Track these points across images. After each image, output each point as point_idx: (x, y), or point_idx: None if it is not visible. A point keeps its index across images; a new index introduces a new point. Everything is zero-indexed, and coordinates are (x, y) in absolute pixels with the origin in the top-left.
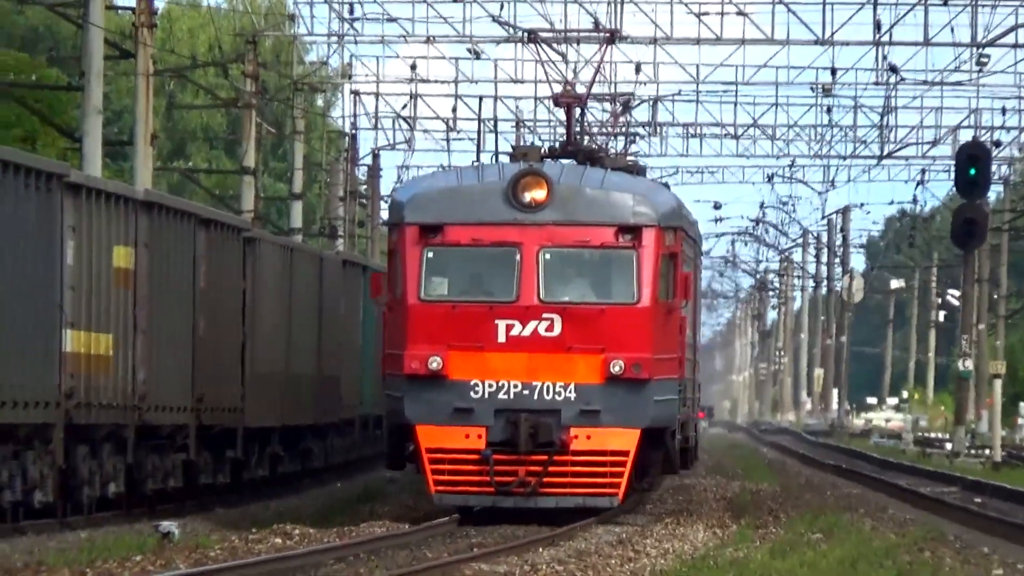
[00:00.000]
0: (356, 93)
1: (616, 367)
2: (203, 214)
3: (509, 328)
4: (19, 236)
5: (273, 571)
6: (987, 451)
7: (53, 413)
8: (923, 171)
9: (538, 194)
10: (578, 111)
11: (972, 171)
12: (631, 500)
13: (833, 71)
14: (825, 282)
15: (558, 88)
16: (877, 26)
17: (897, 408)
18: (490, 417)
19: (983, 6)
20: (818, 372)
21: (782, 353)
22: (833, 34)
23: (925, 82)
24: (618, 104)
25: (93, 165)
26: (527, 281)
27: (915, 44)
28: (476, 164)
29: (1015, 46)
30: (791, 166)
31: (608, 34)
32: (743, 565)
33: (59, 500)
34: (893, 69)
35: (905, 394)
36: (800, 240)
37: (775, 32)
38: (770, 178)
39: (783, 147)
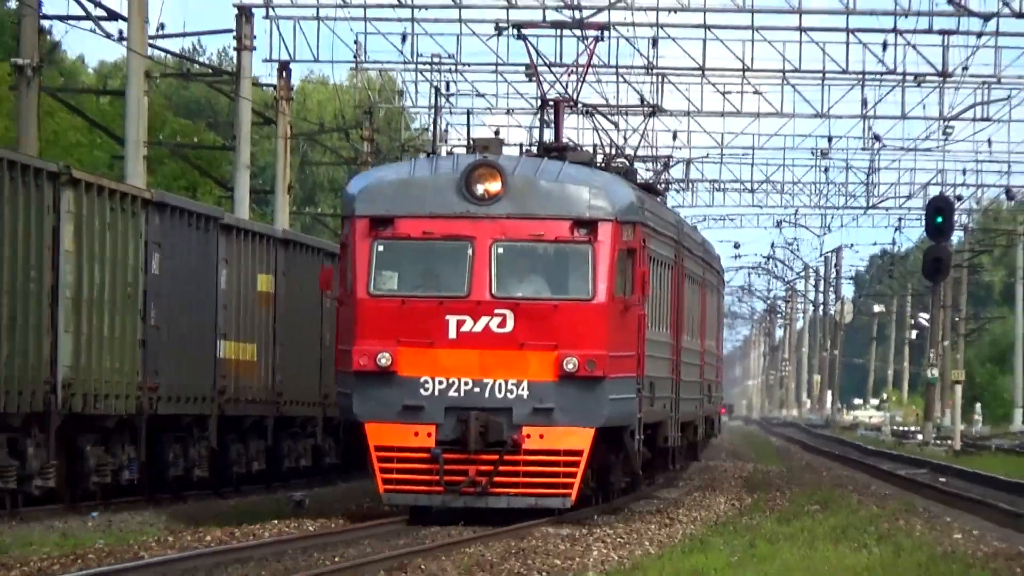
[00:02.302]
0: (451, 154)
1: (570, 364)
2: (328, 249)
3: (460, 324)
4: (185, 266)
5: (385, 532)
6: (950, 441)
7: (209, 406)
8: (900, 219)
9: (492, 186)
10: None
11: (939, 219)
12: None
13: (829, 139)
14: (822, 307)
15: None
16: (864, 103)
17: (878, 407)
18: (440, 415)
19: (948, 88)
20: (816, 378)
21: (787, 363)
22: (829, 109)
23: (902, 148)
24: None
25: (242, 210)
26: (479, 276)
27: (894, 117)
28: (431, 155)
29: (974, 120)
30: (795, 214)
31: (598, 31)
32: (756, 530)
33: (213, 476)
34: (877, 138)
35: (885, 396)
36: (802, 273)
37: (783, 107)
38: (779, 224)
39: (789, 199)
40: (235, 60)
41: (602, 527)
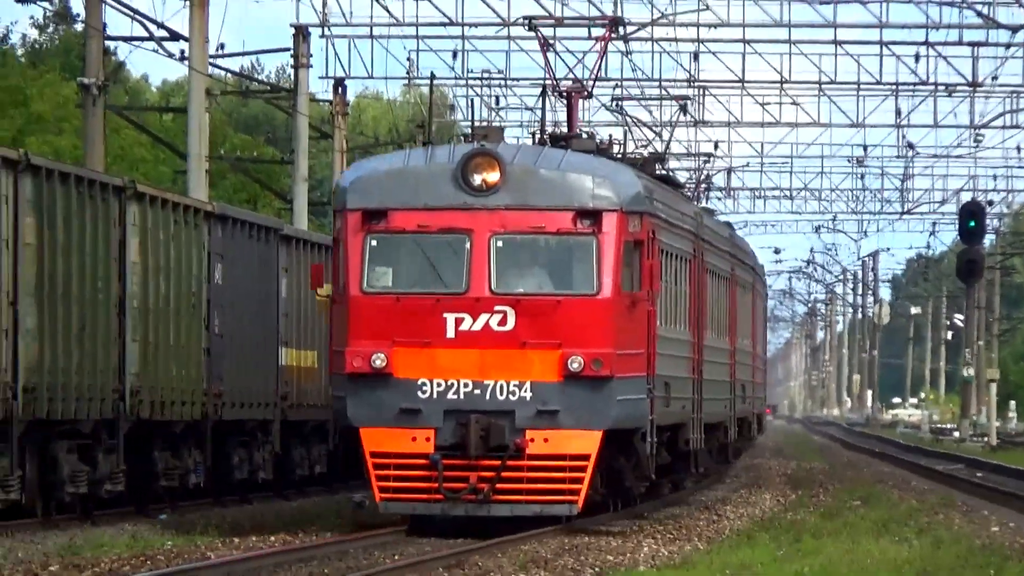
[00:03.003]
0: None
1: (575, 364)
2: None
3: (459, 322)
4: (247, 276)
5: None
6: (985, 437)
7: (272, 411)
8: (934, 223)
9: (490, 176)
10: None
11: (972, 223)
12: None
13: (865, 147)
14: (860, 309)
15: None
16: (898, 112)
17: (916, 405)
18: (439, 419)
19: (979, 97)
20: (856, 378)
21: (828, 363)
22: (865, 119)
23: (935, 155)
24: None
25: (301, 221)
26: (478, 271)
27: (927, 126)
28: (427, 145)
29: (1004, 127)
30: (833, 220)
31: (611, 21)
32: (800, 525)
33: (276, 478)
34: (910, 146)
35: (922, 394)
36: (841, 277)
37: (820, 117)
38: (817, 229)
39: (827, 205)
40: (292, 77)
41: (652, 524)
